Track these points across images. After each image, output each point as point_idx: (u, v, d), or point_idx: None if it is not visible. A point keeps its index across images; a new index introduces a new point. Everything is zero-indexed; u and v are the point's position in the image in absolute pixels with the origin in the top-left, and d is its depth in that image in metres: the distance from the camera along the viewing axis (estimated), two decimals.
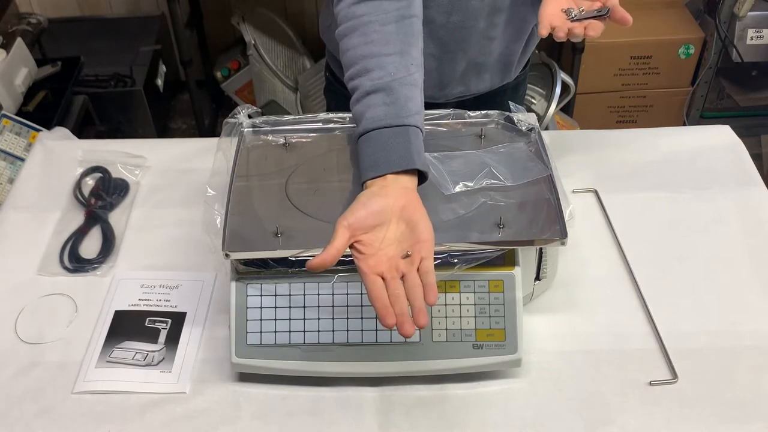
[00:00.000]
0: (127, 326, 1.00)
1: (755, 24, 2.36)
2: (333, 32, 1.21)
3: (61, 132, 1.37)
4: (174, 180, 1.23)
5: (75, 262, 1.09)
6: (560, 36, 0.94)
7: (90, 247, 1.12)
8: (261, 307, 0.91)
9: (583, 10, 0.95)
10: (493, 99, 1.24)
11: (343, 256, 0.88)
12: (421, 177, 0.85)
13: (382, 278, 0.76)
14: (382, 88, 0.86)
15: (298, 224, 0.92)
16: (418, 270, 0.77)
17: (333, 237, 0.77)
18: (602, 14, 0.94)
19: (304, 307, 0.90)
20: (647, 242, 1.10)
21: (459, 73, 1.18)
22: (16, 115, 1.85)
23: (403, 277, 0.77)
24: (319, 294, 0.91)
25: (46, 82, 2.09)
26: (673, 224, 1.13)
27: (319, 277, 0.90)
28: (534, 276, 0.98)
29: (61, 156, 1.27)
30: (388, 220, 0.79)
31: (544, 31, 0.94)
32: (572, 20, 0.95)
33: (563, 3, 0.96)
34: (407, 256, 0.77)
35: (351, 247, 0.78)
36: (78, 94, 2.20)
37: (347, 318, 0.90)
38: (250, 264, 0.91)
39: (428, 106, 1.19)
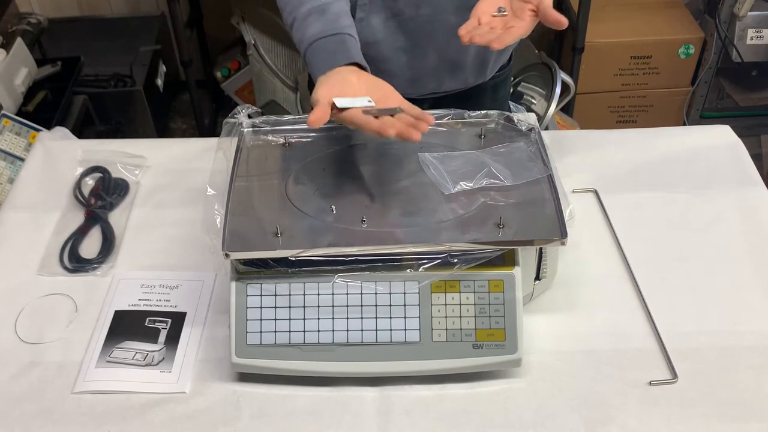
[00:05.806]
0: (127, 326, 1.00)
1: (755, 24, 2.36)
2: None
3: (61, 132, 1.37)
4: (174, 180, 1.23)
5: (75, 262, 1.09)
6: (469, 38, 0.92)
7: (90, 247, 1.12)
8: (261, 307, 0.91)
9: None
10: (469, 98, 1.24)
11: (343, 256, 0.89)
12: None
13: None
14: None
15: (298, 224, 0.92)
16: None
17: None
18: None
19: (304, 307, 0.90)
20: (647, 242, 1.10)
21: (431, 69, 1.18)
22: (16, 115, 1.85)
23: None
24: (319, 294, 0.90)
25: (46, 82, 2.09)
26: (673, 224, 1.13)
27: (319, 277, 0.90)
28: (534, 276, 0.98)
29: (61, 156, 1.27)
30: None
31: (465, 29, 0.92)
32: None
33: (500, 1, 0.95)
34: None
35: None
36: (78, 94, 2.20)
37: (347, 318, 0.90)
38: (250, 264, 0.91)
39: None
